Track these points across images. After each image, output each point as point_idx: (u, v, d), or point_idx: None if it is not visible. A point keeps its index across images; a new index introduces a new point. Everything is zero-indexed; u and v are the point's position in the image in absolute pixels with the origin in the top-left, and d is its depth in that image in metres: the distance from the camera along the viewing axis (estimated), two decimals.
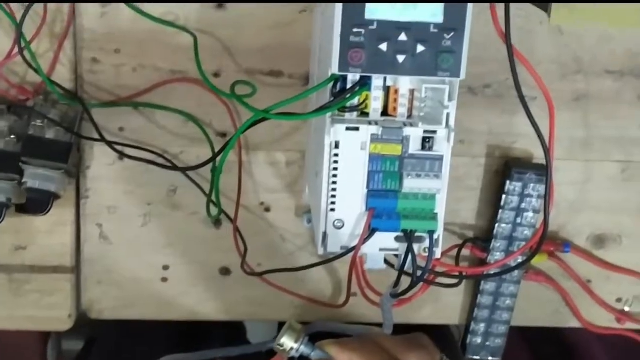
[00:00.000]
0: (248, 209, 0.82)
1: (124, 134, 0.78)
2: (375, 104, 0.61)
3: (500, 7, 0.62)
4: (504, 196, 0.80)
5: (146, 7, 0.75)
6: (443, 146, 0.61)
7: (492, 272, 0.79)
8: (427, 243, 0.63)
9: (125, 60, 0.77)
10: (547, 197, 0.66)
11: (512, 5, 0.74)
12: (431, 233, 0.62)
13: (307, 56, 0.76)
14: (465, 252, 0.83)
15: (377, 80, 0.60)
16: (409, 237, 0.62)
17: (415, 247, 0.63)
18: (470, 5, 0.57)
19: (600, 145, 0.82)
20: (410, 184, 0.61)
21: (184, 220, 0.82)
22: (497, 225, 0.81)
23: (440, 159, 0.61)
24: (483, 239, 0.83)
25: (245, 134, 0.80)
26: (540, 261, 0.84)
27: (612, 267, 0.85)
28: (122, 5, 0.74)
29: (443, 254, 0.82)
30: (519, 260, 0.80)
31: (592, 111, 0.81)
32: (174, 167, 0.77)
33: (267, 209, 0.82)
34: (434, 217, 0.62)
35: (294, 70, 0.78)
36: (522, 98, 0.64)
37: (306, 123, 0.78)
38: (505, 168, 0.81)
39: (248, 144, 0.80)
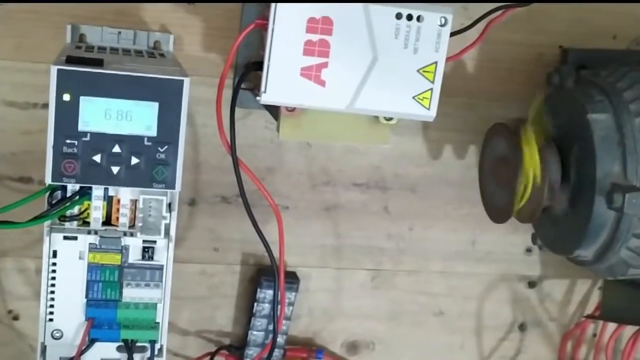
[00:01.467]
0: None
1: None
2: (96, 214, 0.61)
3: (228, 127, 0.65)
4: (255, 303, 0.81)
5: None
6: (163, 256, 0.62)
7: None
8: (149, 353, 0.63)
9: None
10: (275, 303, 0.67)
11: (262, 118, 0.78)
12: (152, 342, 0.62)
13: None
14: (221, 359, 0.83)
15: (97, 190, 0.61)
16: (129, 347, 0.62)
17: (139, 356, 0.63)
18: (183, 120, 0.59)
19: (351, 254, 0.85)
20: (130, 294, 0.62)
21: None
22: (249, 332, 0.82)
23: (160, 268, 0.62)
24: (238, 346, 0.84)
25: None
26: None
27: None
28: None
29: None
30: None
31: (342, 221, 0.84)
32: None
33: (16, 317, 0.80)
34: (155, 326, 0.63)
35: (44, 176, 0.77)
36: (247, 207, 0.66)
37: None
38: (258, 276, 0.82)
39: None
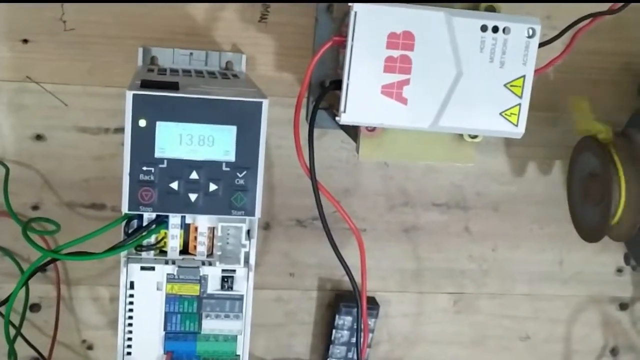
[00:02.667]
0: (69, 347, 0.78)
1: None
2: (173, 243, 0.59)
3: (305, 148, 0.62)
4: (333, 330, 0.78)
5: None
6: (243, 285, 0.59)
7: None
8: None
9: None
10: (358, 331, 0.65)
11: (337, 138, 0.75)
12: None
13: None
14: None
15: (174, 219, 0.58)
16: None
17: None
18: (262, 144, 0.57)
19: (431, 277, 0.82)
20: (210, 325, 0.59)
21: None
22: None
23: (240, 298, 0.60)
24: None
25: (65, 268, 0.77)
26: None
27: None
28: None
29: None
30: None
31: (422, 242, 0.81)
32: None
33: (90, 347, 0.79)
34: (235, 359, 0.60)
35: (116, 202, 0.75)
36: (327, 231, 0.63)
37: None
38: (336, 301, 0.79)
39: (69, 279, 0.77)
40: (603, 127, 0.72)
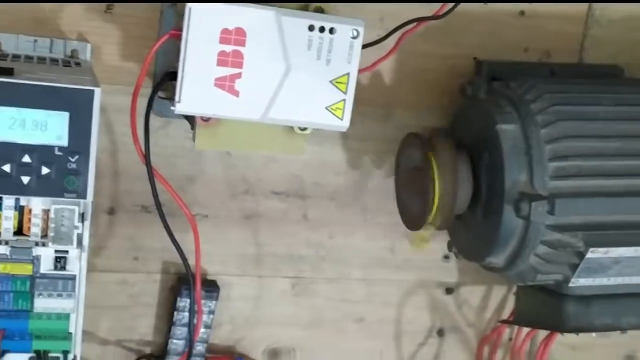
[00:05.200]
0: None
1: None
2: (7, 224, 0.61)
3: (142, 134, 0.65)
4: (175, 312, 0.81)
5: None
6: (75, 266, 0.62)
7: None
8: None
9: None
10: (191, 312, 0.68)
11: (182, 127, 0.78)
12: (65, 353, 0.62)
13: None
14: None
15: (8, 200, 0.60)
16: (41, 358, 0.62)
17: None
18: (95, 130, 0.59)
19: (271, 262, 0.86)
20: (42, 304, 0.62)
21: None
22: (170, 341, 0.82)
23: (72, 278, 0.62)
24: (158, 355, 0.84)
25: None
26: None
27: None
28: None
29: None
30: None
31: (262, 229, 0.85)
32: None
33: None
34: (67, 336, 0.63)
35: None
36: (162, 216, 0.66)
37: None
38: (178, 284, 0.82)
39: None
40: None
